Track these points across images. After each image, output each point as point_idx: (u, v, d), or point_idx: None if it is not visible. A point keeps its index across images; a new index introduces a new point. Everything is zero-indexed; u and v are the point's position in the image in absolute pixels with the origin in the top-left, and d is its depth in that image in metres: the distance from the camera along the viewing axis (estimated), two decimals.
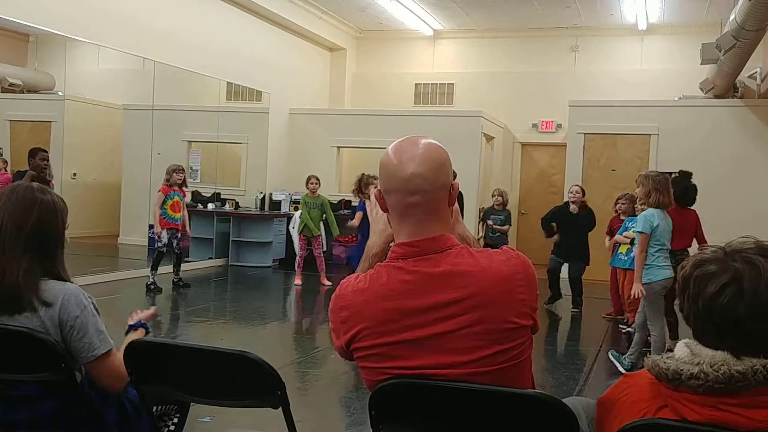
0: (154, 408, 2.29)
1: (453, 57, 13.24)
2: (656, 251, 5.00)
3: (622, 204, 7.20)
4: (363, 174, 7.79)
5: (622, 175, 10.38)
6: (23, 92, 9.80)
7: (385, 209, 1.69)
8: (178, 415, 2.37)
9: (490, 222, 8.35)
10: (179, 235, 8.28)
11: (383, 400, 1.60)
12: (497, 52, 12.85)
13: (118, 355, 2.08)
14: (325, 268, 9.18)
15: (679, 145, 10.30)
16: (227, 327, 6.89)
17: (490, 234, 8.32)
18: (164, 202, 8.06)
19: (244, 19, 10.91)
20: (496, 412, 1.56)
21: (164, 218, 8.08)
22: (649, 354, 5.17)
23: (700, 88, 10.66)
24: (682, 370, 1.35)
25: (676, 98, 10.85)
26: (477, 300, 1.54)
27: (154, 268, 8.08)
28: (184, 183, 8.28)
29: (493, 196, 8.55)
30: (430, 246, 1.61)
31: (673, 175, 6.11)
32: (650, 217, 4.98)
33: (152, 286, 8.00)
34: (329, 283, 8.95)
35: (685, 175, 6.40)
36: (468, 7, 11.53)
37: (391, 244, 1.74)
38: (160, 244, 8.12)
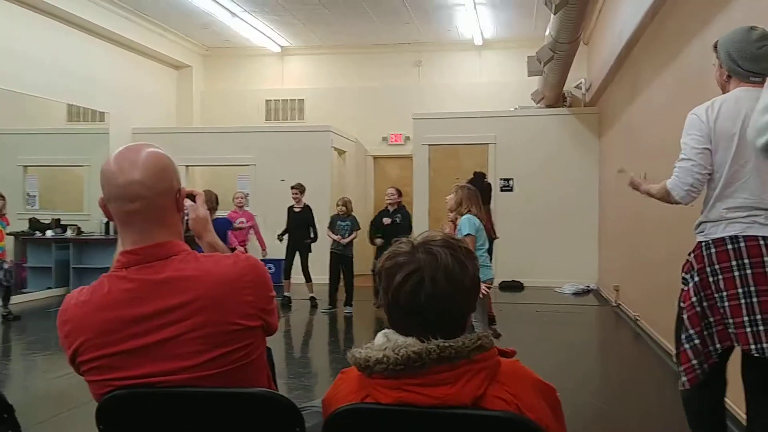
0: None
1: (302, 73, 13.34)
2: (481, 252, 5.31)
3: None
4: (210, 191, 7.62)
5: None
6: None
7: (110, 218, 1.67)
8: None
9: (334, 236, 8.49)
10: (5, 266, 7.82)
11: (109, 413, 1.57)
12: (345, 67, 13.09)
13: None
14: None
15: (515, 152, 10.95)
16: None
17: (339, 246, 8.45)
18: None
19: (82, 39, 10.50)
20: (224, 414, 1.57)
21: None
22: None
23: (532, 99, 11.37)
24: (370, 356, 1.43)
25: (513, 109, 11.50)
26: (200, 304, 1.54)
27: None
28: (2, 211, 7.82)
29: (337, 205, 8.70)
30: (153, 253, 1.60)
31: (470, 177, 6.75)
32: (473, 219, 5.29)
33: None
34: None
35: (481, 176, 7.10)
36: (312, 24, 11.67)
37: None
38: None
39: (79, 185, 11.80)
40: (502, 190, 10.99)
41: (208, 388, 1.56)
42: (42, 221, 10.69)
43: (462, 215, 5.28)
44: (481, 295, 5.38)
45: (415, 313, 1.46)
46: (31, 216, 10.71)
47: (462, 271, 1.49)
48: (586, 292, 10.25)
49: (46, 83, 9.77)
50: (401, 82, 12.80)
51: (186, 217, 1.92)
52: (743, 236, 2.60)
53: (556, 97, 11.27)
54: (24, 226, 10.40)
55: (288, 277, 8.84)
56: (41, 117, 11.22)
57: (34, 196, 11.19)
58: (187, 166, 11.72)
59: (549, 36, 8.31)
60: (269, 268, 10.49)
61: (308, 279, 8.80)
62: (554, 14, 6.86)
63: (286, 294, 8.86)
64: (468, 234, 5.23)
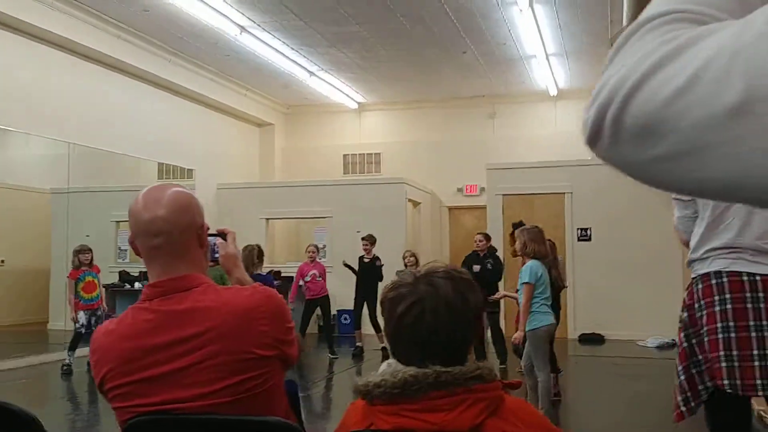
0: None
1: (378, 127, 13.65)
2: (540, 300, 5.24)
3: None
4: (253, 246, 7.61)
5: None
6: None
7: (138, 254, 1.76)
8: None
9: None
10: (98, 313, 8.21)
11: None
12: (420, 121, 13.31)
13: None
14: None
15: (592, 201, 10.72)
16: None
17: None
18: (76, 285, 8.04)
19: (171, 100, 11.17)
20: None
21: (80, 301, 8.06)
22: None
23: None
24: (370, 381, 1.46)
25: (589, 158, 11.31)
26: (216, 333, 1.61)
27: (72, 348, 7.98)
28: (91, 262, 8.25)
29: (404, 257, 8.71)
30: (174, 285, 1.68)
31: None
32: (534, 267, 5.24)
33: (65, 368, 7.87)
34: None
35: (519, 226, 6.97)
36: (387, 80, 11.99)
37: None
38: (78, 325, 8.04)
39: None
40: (579, 240, 10.76)
41: (223, 415, 1.61)
42: (131, 274, 11.22)
43: (529, 258, 5.24)
44: (518, 341, 5.34)
45: (415, 342, 1.49)
46: (121, 269, 11.27)
47: (463, 302, 1.51)
48: (671, 345, 9.78)
49: (137, 143, 10.38)
50: (475, 133, 12.89)
51: (216, 254, 2.03)
52: (726, 271, 2.56)
53: None
54: (115, 278, 10.95)
55: (358, 327, 8.89)
56: (133, 174, 11.90)
57: (125, 250, 11.76)
58: (267, 219, 12.10)
59: None
60: (344, 319, 10.62)
61: (378, 329, 8.79)
62: None
63: (358, 344, 8.90)
64: (526, 283, 5.19)
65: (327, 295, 8.97)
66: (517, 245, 5.39)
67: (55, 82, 8.88)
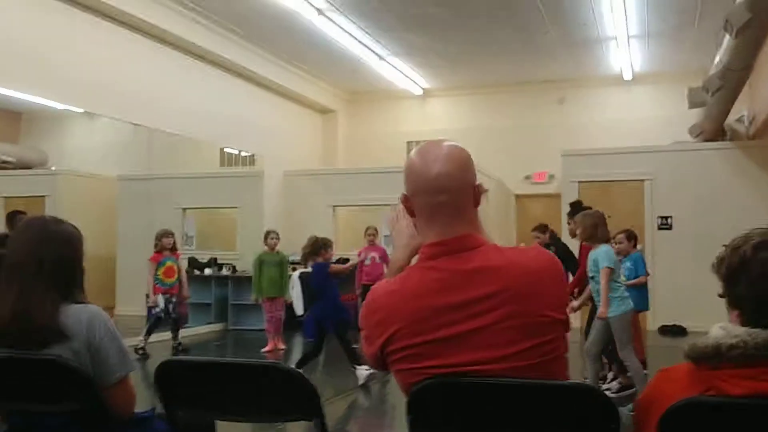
0: None
1: (443, 114, 13.45)
2: (617, 284, 5.18)
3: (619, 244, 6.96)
4: (316, 237, 7.38)
5: (618, 221, 10.39)
6: (16, 169, 9.86)
7: (411, 213, 1.70)
8: None
9: None
10: (174, 299, 8.18)
11: (421, 402, 1.53)
12: (487, 107, 13.08)
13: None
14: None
15: (674, 188, 10.39)
16: None
17: None
18: (157, 269, 8.02)
19: (235, 84, 11.07)
20: (539, 406, 1.52)
21: (158, 285, 8.04)
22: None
23: (689, 133, 10.82)
24: (721, 343, 1.37)
25: (669, 143, 10.98)
26: (511, 293, 1.53)
27: (148, 333, 8.02)
28: (174, 247, 8.20)
29: (367, 234, 8.53)
30: (459, 244, 1.60)
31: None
32: (610, 252, 5.18)
33: (140, 352, 7.82)
34: (283, 346, 8.70)
35: (579, 205, 6.78)
36: (455, 65, 11.78)
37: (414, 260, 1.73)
38: (157, 310, 8.01)
39: (232, 226, 12.32)
40: (659, 228, 10.44)
41: (525, 379, 1.50)
42: (199, 260, 11.21)
43: (599, 242, 5.11)
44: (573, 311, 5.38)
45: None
46: (189, 255, 11.26)
47: None
48: None
49: (203, 129, 10.28)
50: (544, 119, 12.61)
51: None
52: None
53: (715, 131, 10.67)
54: (183, 264, 10.95)
55: None
56: (196, 162, 11.90)
57: (192, 237, 11.77)
58: (333, 206, 11.99)
59: (719, 63, 7.90)
60: None
61: None
62: (734, 38, 6.50)
63: None
64: (606, 266, 5.02)
65: None
66: (582, 230, 5.26)
67: (125, 65, 8.78)
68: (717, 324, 1.48)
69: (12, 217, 7.25)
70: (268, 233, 8.80)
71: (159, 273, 8.06)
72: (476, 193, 1.67)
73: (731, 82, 8.07)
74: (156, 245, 8.11)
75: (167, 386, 1.87)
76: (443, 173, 1.61)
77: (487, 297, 1.52)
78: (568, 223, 7.52)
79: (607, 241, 5.27)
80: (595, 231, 5.15)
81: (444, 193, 1.61)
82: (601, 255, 5.07)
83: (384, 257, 8.66)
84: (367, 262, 8.66)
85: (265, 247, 8.77)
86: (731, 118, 10.60)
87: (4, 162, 9.59)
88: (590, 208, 6.36)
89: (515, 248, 1.67)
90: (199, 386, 1.89)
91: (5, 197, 9.99)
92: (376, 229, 9.08)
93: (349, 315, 6.66)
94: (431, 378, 1.51)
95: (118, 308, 10.71)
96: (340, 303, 6.78)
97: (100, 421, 2.00)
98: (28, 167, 10.04)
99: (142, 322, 9.96)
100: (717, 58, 8.07)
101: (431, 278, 1.58)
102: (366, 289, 8.38)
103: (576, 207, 7.05)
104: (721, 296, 1.56)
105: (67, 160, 10.20)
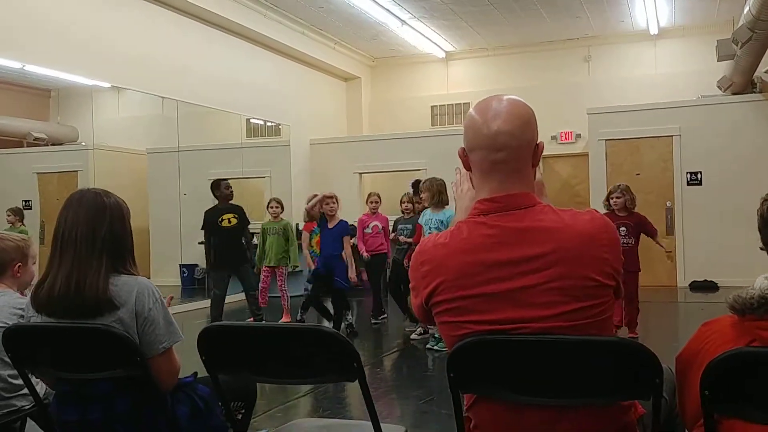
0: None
1: (466, 77, 13.33)
2: None
3: (617, 198, 6.57)
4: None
5: (646, 179, 10.35)
6: (48, 145, 10.04)
7: (468, 168, 1.70)
8: (243, 411, 2.37)
9: (398, 236, 7.50)
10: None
11: (463, 358, 1.58)
12: (510, 68, 12.93)
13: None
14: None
15: (702, 143, 10.25)
16: None
17: (397, 247, 7.55)
18: (310, 238, 8.02)
19: (260, 54, 11.08)
20: (582, 363, 1.54)
21: (313, 256, 7.86)
22: None
23: (718, 87, 10.62)
24: (767, 293, 1.36)
25: (696, 98, 10.80)
26: (560, 255, 1.53)
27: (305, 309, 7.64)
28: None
29: (402, 202, 7.60)
30: (512, 202, 1.60)
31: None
32: None
33: (349, 330, 7.19)
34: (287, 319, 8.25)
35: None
36: (478, 26, 11.65)
37: None
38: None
39: (260, 196, 12.46)
40: (689, 184, 10.33)
41: (571, 336, 1.52)
42: None
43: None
44: None
45: None
46: None
47: None
48: None
49: (228, 99, 10.32)
50: (569, 78, 12.45)
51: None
52: None
53: (744, 84, 10.46)
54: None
55: None
56: (223, 132, 12.00)
57: None
58: (360, 173, 12.04)
59: (748, 14, 7.74)
60: None
61: None
62: None
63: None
64: None
65: (385, 253, 7.87)
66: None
67: (151, 39, 8.83)
68: (762, 275, 1.49)
69: (218, 185, 7.76)
70: (269, 202, 8.42)
71: (313, 243, 7.97)
72: (536, 152, 1.65)
73: (761, 32, 7.91)
74: (305, 216, 8.14)
75: (210, 351, 1.92)
76: (503, 131, 1.59)
77: (536, 257, 1.53)
78: (417, 202, 7.13)
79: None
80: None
81: (502, 150, 1.60)
82: None
83: (385, 228, 7.92)
84: (368, 230, 7.85)
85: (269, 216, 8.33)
86: (761, 70, 10.38)
87: (37, 139, 9.77)
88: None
89: (570, 210, 1.63)
90: (241, 350, 1.94)
91: (39, 173, 10.22)
92: (378, 196, 8.19)
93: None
94: (470, 333, 1.55)
95: (153, 279, 10.92)
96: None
97: (144, 388, 2.06)
98: (60, 143, 10.22)
99: (177, 292, 10.17)
100: (746, 9, 7.90)
101: (481, 233, 1.59)
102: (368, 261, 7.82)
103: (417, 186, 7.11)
104: (762, 249, 1.57)
105: (97, 136, 10.36)
